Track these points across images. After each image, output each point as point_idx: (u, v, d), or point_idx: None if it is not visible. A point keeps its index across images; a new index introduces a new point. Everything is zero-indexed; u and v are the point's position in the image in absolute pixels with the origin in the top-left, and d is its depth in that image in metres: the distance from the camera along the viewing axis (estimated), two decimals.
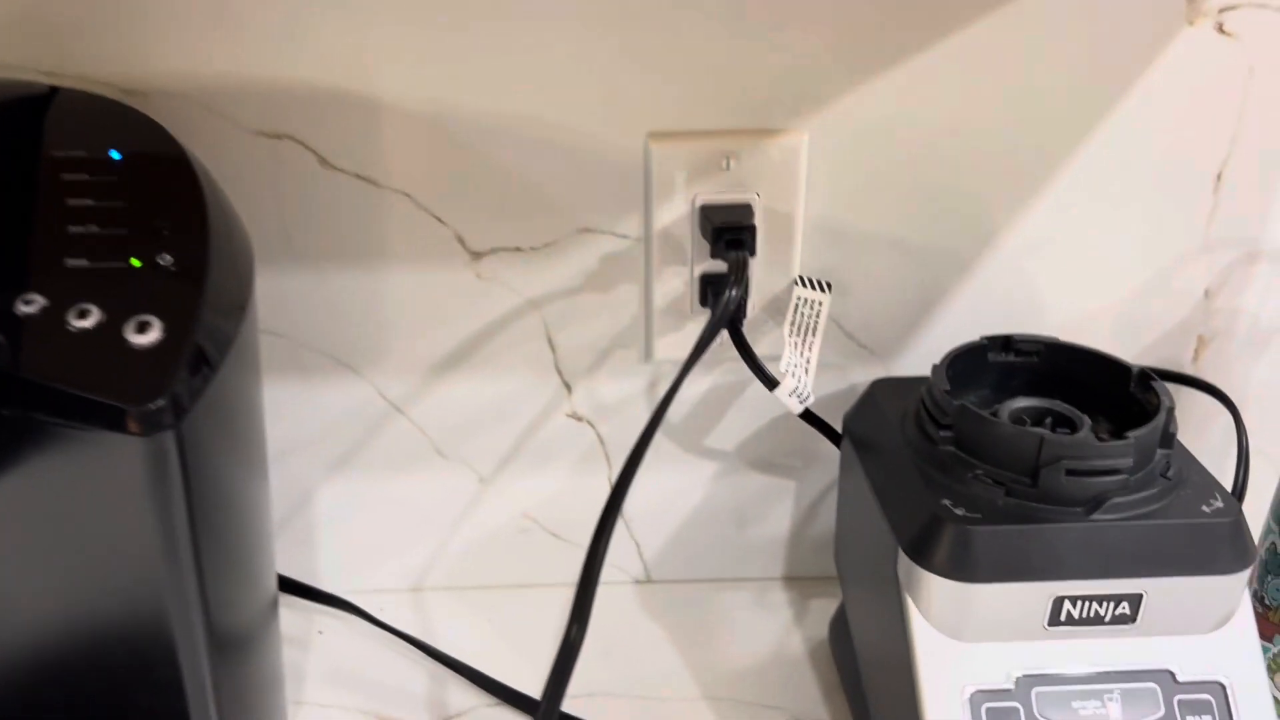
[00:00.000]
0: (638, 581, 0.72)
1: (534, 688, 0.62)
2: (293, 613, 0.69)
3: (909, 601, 0.49)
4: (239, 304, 0.44)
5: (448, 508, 0.68)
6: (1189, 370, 0.65)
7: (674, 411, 0.67)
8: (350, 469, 0.66)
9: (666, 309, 0.62)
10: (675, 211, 0.59)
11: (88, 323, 0.37)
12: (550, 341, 0.63)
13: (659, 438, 0.67)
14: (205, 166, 0.47)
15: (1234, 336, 0.65)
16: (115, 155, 0.43)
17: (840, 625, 0.63)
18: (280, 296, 0.62)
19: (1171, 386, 0.61)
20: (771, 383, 0.59)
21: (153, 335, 0.38)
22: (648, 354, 0.64)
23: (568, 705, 0.61)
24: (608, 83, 0.57)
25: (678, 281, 0.61)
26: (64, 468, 0.40)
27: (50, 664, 0.46)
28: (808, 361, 0.60)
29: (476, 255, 0.61)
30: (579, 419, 0.66)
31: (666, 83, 0.58)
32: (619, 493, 0.50)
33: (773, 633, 0.68)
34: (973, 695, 0.47)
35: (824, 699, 0.62)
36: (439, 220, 0.60)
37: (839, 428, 0.62)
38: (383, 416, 0.65)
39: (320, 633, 0.67)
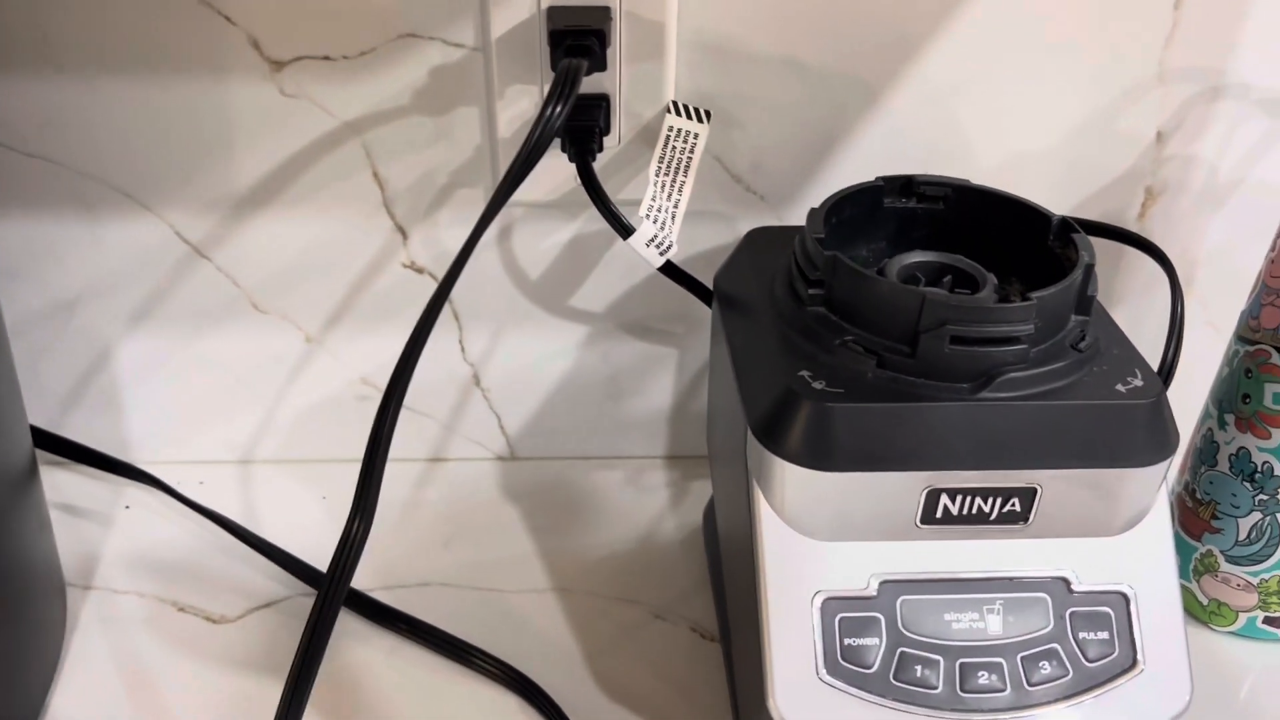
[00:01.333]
0: (500, 458, 0.64)
1: (366, 573, 0.54)
2: (99, 486, 0.60)
3: (757, 490, 0.40)
4: None
5: (272, 371, 0.59)
6: (1134, 228, 0.56)
7: (533, 266, 0.57)
8: (152, 323, 0.57)
9: (514, 138, 0.52)
10: (518, 14, 0.48)
11: None
12: (377, 175, 0.53)
13: (517, 296, 0.58)
14: None
15: (1187, 190, 0.55)
16: None
17: (712, 512, 0.55)
18: (46, 115, 0.51)
19: (1111, 245, 0.52)
20: (627, 230, 0.49)
21: None
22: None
23: (392, 596, 0.54)
24: None
25: (526, 103, 0.51)
26: None
27: None
28: (675, 205, 0.50)
29: (277, 65, 0.50)
30: (419, 270, 0.56)
31: None
32: (412, 350, 0.41)
33: (644, 518, 0.60)
34: (825, 602, 0.39)
35: (690, 593, 0.55)
36: (226, 19, 0.49)
37: None
38: (184, 262, 0.55)
39: (127, 508, 0.59)
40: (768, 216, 0.56)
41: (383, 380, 0.59)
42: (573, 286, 0.58)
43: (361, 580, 0.54)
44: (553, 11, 0.47)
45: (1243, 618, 0.52)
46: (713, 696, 0.49)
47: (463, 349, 0.59)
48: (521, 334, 0.59)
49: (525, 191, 0.53)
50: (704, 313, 0.57)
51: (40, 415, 0.60)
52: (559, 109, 0.42)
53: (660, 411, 0.62)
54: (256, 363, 0.59)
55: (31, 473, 0.48)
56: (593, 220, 0.55)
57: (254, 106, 0.51)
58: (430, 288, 0.57)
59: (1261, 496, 0.49)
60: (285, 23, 0.49)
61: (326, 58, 0.50)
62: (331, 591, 0.40)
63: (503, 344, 0.59)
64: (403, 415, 0.61)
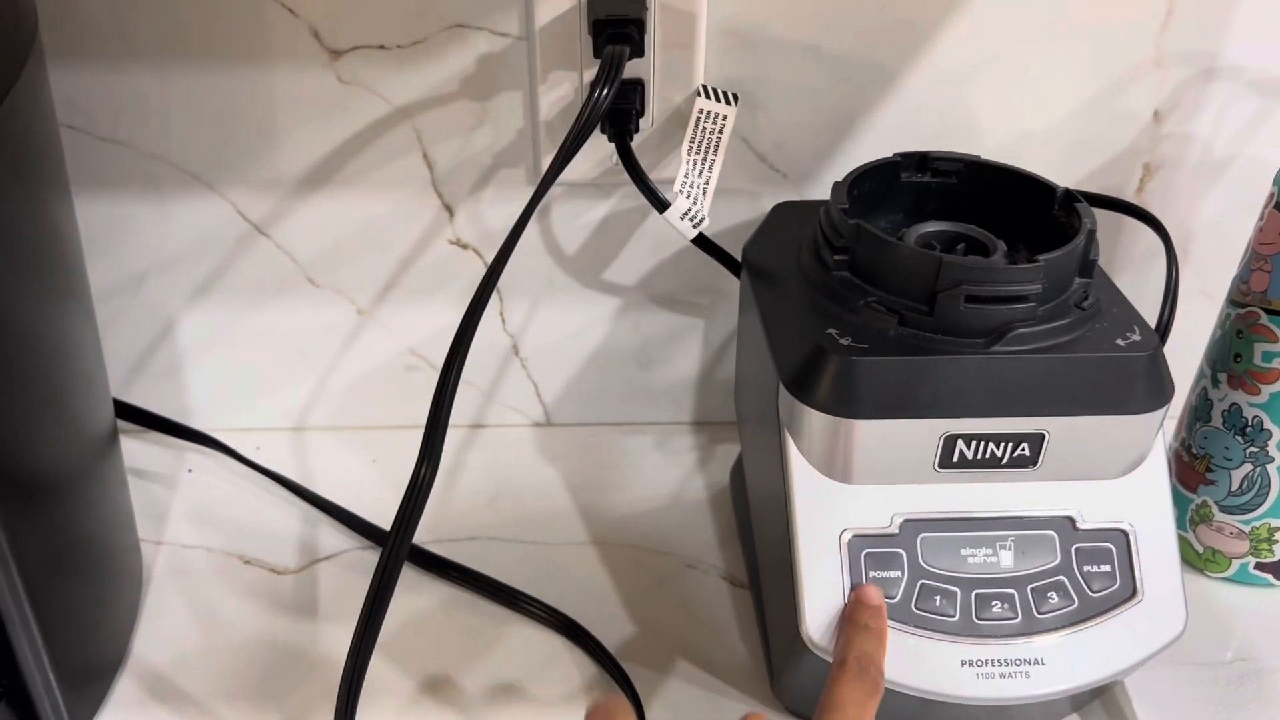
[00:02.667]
0: (536, 424, 0.67)
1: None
2: (162, 450, 0.64)
3: (788, 439, 0.44)
4: (2, 69, 0.37)
5: (325, 342, 0.63)
6: (1133, 201, 0.59)
7: (569, 242, 0.61)
8: (214, 296, 0.61)
9: (555, 121, 0.55)
10: (560, 4, 0.52)
11: None
12: (426, 157, 0.57)
13: (554, 271, 0.62)
14: None
15: (1183, 165, 0.59)
16: None
17: (739, 470, 0.59)
18: (120, 101, 0.55)
19: (1114, 217, 0.56)
20: (663, 205, 0.53)
21: None
22: (536, 172, 0.58)
23: (444, 549, 0.58)
24: None
25: (566, 88, 0.54)
26: None
27: None
28: (706, 182, 0.54)
29: (335, 54, 0.54)
30: (463, 246, 0.60)
31: None
32: (470, 321, 0.45)
33: (673, 478, 0.64)
34: (851, 540, 0.43)
35: (719, 546, 0.59)
36: (289, 10, 0.53)
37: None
38: (244, 238, 0.59)
39: (190, 471, 0.63)
40: (790, 192, 0.59)
41: (429, 350, 0.64)
42: (606, 261, 0.62)
43: (415, 534, 0.58)
44: (593, 2, 0.51)
45: (1236, 564, 0.56)
46: (745, 637, 0.53)
47: (503, 320, 0.63)
48: (558, 306, 0.63)
49: (565, 171, 0.57)
50: (728, 285, 0.60)
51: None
52: (606, 92, 0.46)
53: (687, 379, 0.66)
54: (311, 334, 0.63)
55: (114, 436, 0.52)
56: (625, 198, 0.59)
57: (313, 92, 0.55)
58: (474, 262, 0.60)
59: (1252, 449, 0.53)
60: (343, 14, 0.53)
61: (381, 46, 0.54)
62: (401, 531, 0.44)
63: (540, 316, 0.63)
64: None
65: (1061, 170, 0.59)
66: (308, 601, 0.55)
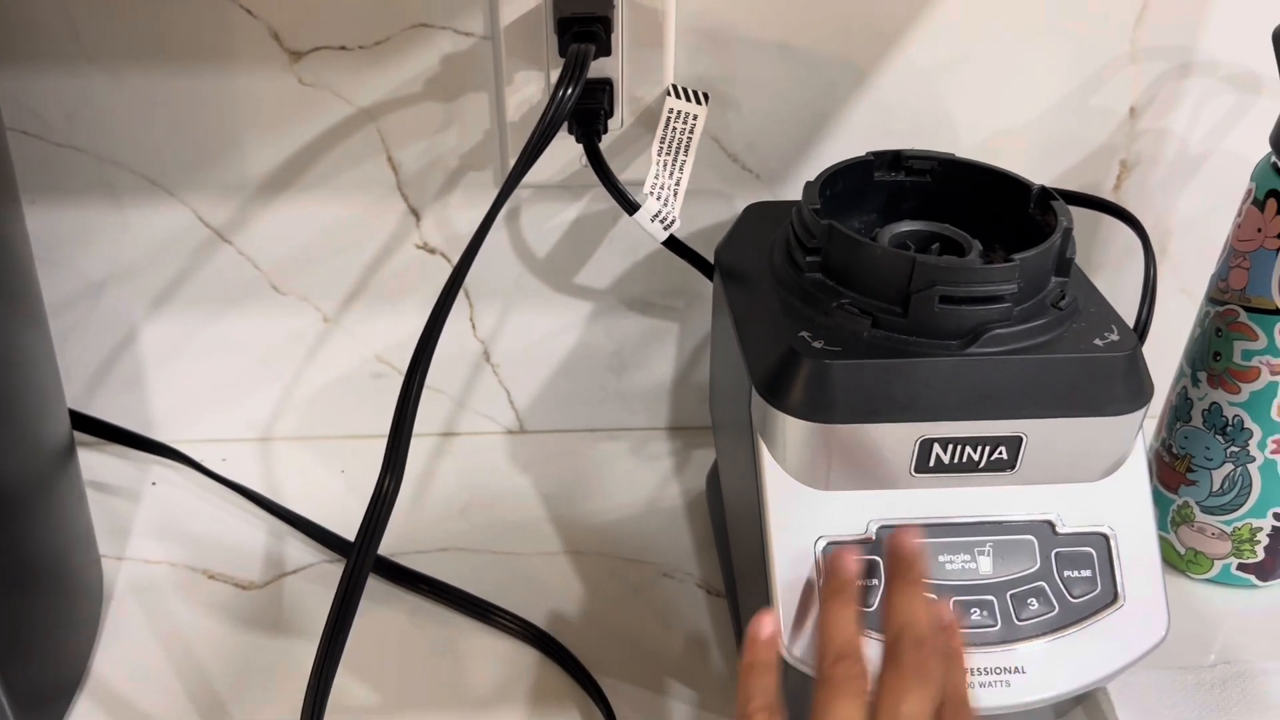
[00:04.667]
0: (509, 431, 0.66)
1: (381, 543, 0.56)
2: (125, 464, 0.63)
3: (761, 444, 0.43)
4: None
5: (291, 350, 0.62)
6: (1110, 199, 0.58)
7: (539, 246, 0.60)
8: (176, 304, 0.59)
9: (522, 122, 0.54)
10: (525, 3, 0.51)
11: None
12: (391, 160, 0.56)
13: (524, 275, 0.60)
14: None
15: (1160, 161, 0.58)
16: None
17: (715, 476, 0.58)
18: (74, 104, 0.53)
19: (1091, 214, 0.55)
20: (633, 207, 0.52)
21: None
22: (503, 174, 0.56)
23: (414, 561, 0.56)
24: None
25: (533, 88, 0.53)
26: None
27: None
28: (676, 183, 0.53)
29: (296, 55, 0.53)
30: (430, 250, 0.59)
31: None
32: (433, 327, 0.44)
33: (649, 485, 0.63)
34: (826, 546, 0.42)
35: (695, 553, 0.58)
36: (248, 11, 0.51)
37: None
38: (206, 245, 0.58)
39: (154, 484, 0.61)
40: (763, 193, 0.58)
41: (397, 357, 0.62)
42: (577, 265, 0.61)
43: (383, 546, 0.56)
44: (559, 1, 0.50)
45: (1218, 565, 0.55)
46: (721, 647, 0.52)
47: (473, 326, 0.62)
48: (529, 311, 0.62)
49: (533, 174, 0.54)
50: (702, 288, 0.59)
51: (68, 396, 0.62)
52: (570, 91, 0.45)
53: (662, 384, 0.65)
54: (276, 342, 0.61)
55: (70, 449, 0.50)
56: (596, 200, 0.58)
57: (274, 95, 0.53)
58: (442, 267, 0.59)
59: (1233, 449, 0.52)
60: (303, 15, 0.52)
61: (343, 48, 0.52)
62: (365, 544, 0.43)
63: (511, 321, 0.62)
64: None
65: (1037, 167, 0.58)
66: (273, 616, 0.53)
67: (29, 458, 0.45)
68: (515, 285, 0.60)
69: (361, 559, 0.43)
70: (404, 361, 0.61)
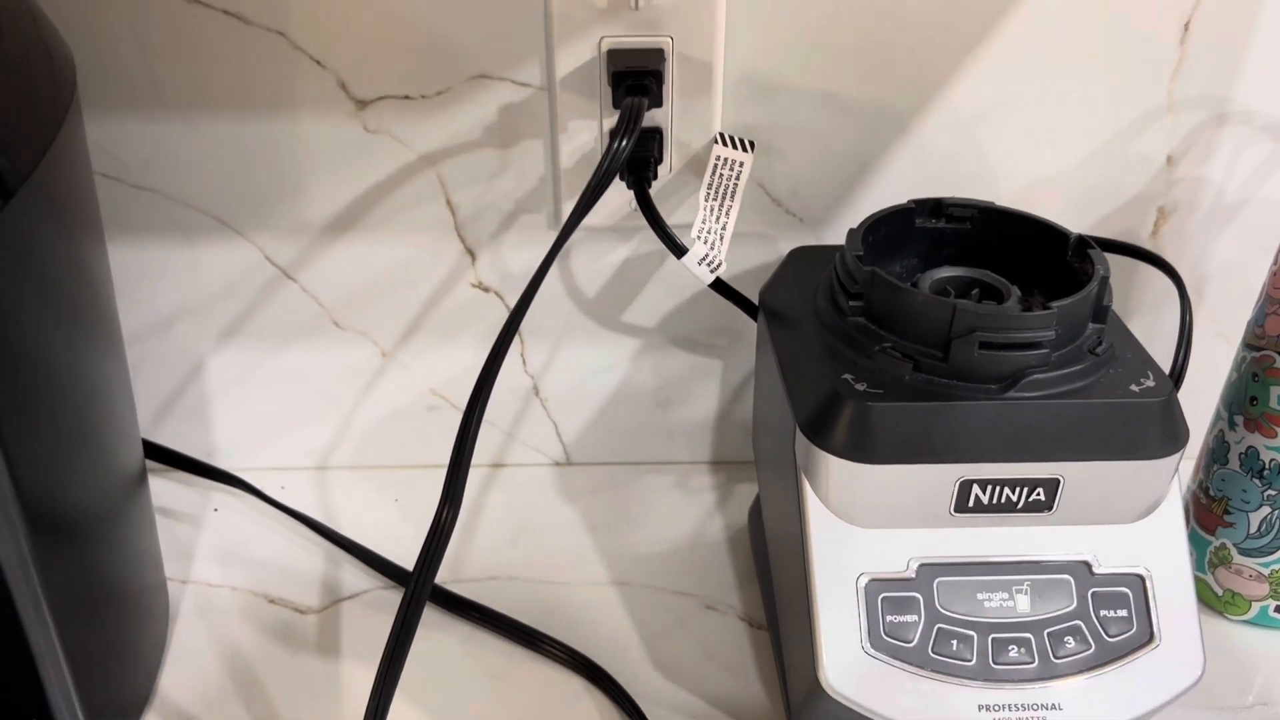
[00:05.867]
0: (556, 464, 0.68)
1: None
2: (188, 490, 0.65)
3: (805, 482, 0.45)
4: (45, 124, 0.38)
5: (349, 383, 0.64)
6: (1147, 245, 0.60)
7: (589, 285, 0.62)
8: (241, 338, 0.62)
9: (575, 169, 0.57)
10: (580, 56, 0.53)
11: None
12: (449, 203, 0.58)
13: (574, 313, 0.63)
14: None
15: (1196, 209, 0.59)
16: None
17: (757, 511, 0.60)
18: (152, 149, 0.56)
19: (1127, 262, 0.56)
20: (680, 250, 0.54)
21: None
22: (556, 218, 0.59)
23: (464, 589, 0.58)
24: None
25: (586, 137, 0.56)
26: None
27: None
28: (723, 228, 0.55)
29: (362, 104, 0.55)
30: (485, 289, 0.61)
31: None
32: (492, 364, 0.46)
33: (692, 518, 0.64)
34: (868, 584, 0.44)
35: (737, 587, 0.59)
36: (318, 63, 0.54)
37: None
38: (272, 282, 0.60)
39: (215, 510, 0.64)
40: (806, 236, 0.60)
41: (450, 391, 0.65)
42: (625, 303, 0.63)
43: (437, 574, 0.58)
44: (612, 54, 0.52)
45: (1255, 607, 0.56)
46: (764, 679, 0.53)
47: (524, 362, 0.64)
48: (578, 348, 0.64)
49: (585, 217, 0.58)
50: (747, 326, 0.61)
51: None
52: (625, 143, 0.47)
53: (705, 419, 0.67)
54: (334, 375, 0.64)
55: (142, 476, 0.53)
56: (644, 243, 0.60)
57: (339, 141, 0.56)
58: (495, 305, 0.62)
59: (1270, 492, 0.53)
60: (370, 66, 0.54)
61: (406, 97, 0.55)
62: (424, 573, 0.44)
63: (560, 357, 0.64)
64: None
65: (1075, 214, 0.60)
66: (330, 641, 0.55)
67: (109, 484, 0.48)
68: (565, 323, 0.63)
69: (420, 588, 0.44)
70: (457, 395, 0.65)
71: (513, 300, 0.62)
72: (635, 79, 0.50)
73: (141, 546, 0.53)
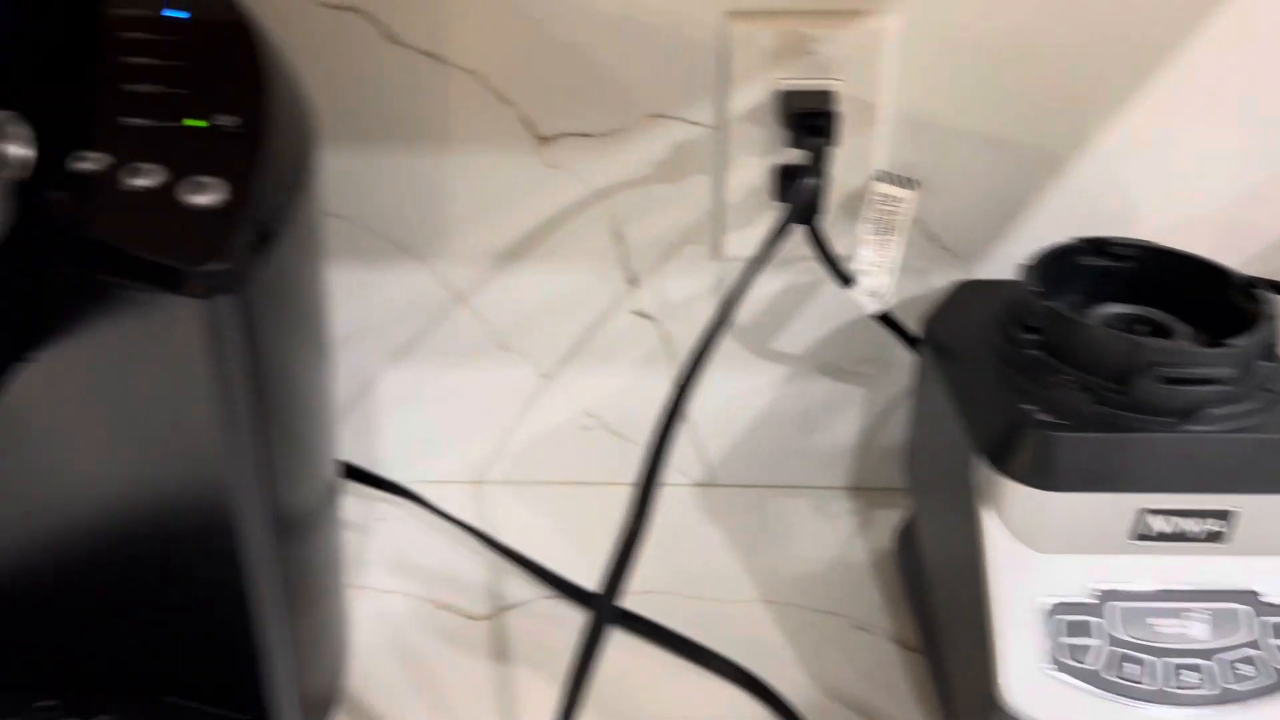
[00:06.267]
0: (699, 484, 0.71)
1: (591, 582, 0.61)
2: (355, 499, 0.69)
3: (982, 508, 0.47)
4: (301, 171, 0.42)
5: (509, 402, 0.67)
6: None
7: (742, 312, 0.64)
8: (412, 358, 0.66)
9: (740, 203, 0.59)
10: (752, 97, 0.56)
11: (146, 181, 0.36)
12: (617, 234, 0.61)
13: (726, 339, 0.65)
14: (267, 31, 0.45)
15: None
16: (176, 15, 0.41)
17: (908, 537, 0.62)
18: (342, 177, 0.60)
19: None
20: (847, 280, 0.56)
21: (213, 196, 0.36)
22: (718, 250, 0.62)
23: (624, 600, 0.61)
24: None
25: (752, 173, 0.59)
26: (123, 336, 0.39)
27: (111, 538, 0.46)
28: (890, 261, 0.57)
29: (544, 140, 0.59)
30: (644, 316, 0.64)
31: None
32: (684, 389, 0.48)
33: (835, 541, 0.66)
34: (1046, 607, 0.45)
35: (886, 609, 0.61)
36: (506, 101, 0.58)
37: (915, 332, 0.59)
38: (445, 305, 0.64)
39: (382, 520, 0.67)
40: (956, 270, 0.62)
41: (604, 412, 0.68)
42: (775, 331, 0.65)
43: (592, 585, 0.61)
44: (785, 96, 0.55)
45: None
46: (921, 703, 0.55)
47: (673, 384, 0.66)
48: (727, 372, 0.66)
49: (746, 248, 0.61)
50: (893, 356, 0.63)
51: None
52: (814, 180, 0.50)
53: (844, 445, 0.69)
54: (496, 394, 0.67)
55: (338, 482, 0.56)
56: (799, 273, 0.63)
57: (519, 174, 0.59)
58: (652, 332, 0.64)
59: None
60: (554, 105, 0.58)
61: (586, 134, 0.58)
62: (613, 587, 0.47)
63: (709, 381, 0.66)
64: (615, 444, 0.69)
65: (1219, 255, 0.61)
66: (501, 646, 0.58)
67: (320, 488, 0.51)
68: (717, 349, 0.65)
69: (608, 600, 0.47)
70: (610, 416, 0.67)
71: (670, 327, 0.64)
72: (812, 119, 0.53)
73: (336, 550, 0.56)
